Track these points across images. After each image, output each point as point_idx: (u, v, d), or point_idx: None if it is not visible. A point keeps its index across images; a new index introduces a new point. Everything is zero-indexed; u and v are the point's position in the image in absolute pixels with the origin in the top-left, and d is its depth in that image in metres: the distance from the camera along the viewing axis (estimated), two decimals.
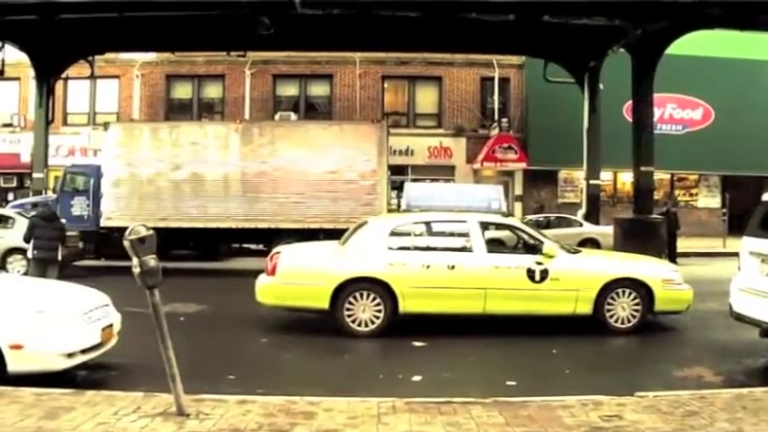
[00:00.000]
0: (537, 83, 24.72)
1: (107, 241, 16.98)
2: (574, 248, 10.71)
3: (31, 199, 20.73)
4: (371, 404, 5.50)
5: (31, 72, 22.89)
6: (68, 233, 12.44)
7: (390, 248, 9.52)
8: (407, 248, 9.62)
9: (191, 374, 5.53)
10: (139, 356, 7.08)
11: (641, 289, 9.45)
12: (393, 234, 9.76)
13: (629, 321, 9.43)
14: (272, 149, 17.68)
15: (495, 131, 27.16)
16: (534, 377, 7.31)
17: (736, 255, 8.20)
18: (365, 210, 16.32)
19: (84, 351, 6.37)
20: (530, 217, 22.58)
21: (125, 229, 5.10)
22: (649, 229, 16.76)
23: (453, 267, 9.32)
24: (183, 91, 28.83)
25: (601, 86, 22.04)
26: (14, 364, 5.98)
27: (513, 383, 6.85)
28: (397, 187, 21.22)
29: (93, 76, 24.91)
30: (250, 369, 7.46)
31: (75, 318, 6.41)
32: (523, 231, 10.24)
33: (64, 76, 23.50)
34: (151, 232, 4.98)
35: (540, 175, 27.76)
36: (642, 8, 16.54)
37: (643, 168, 18.09)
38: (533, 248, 9.66)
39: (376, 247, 9.50)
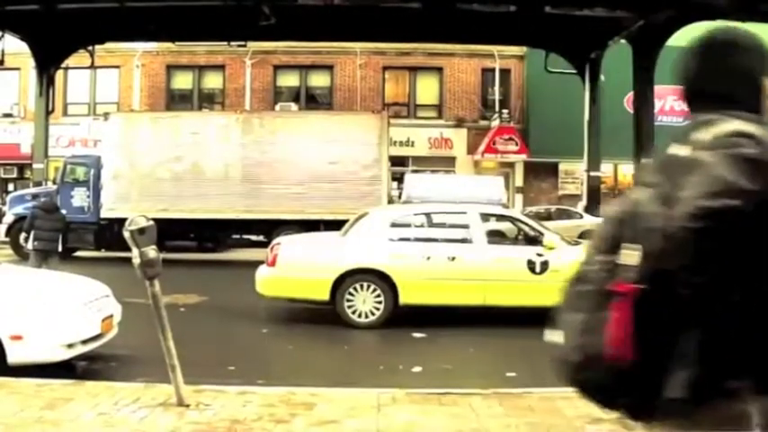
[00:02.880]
0: (538, 74, 24.63)
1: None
2: (574, 240, 10.70)
3: (32, 190, 20.68)
4: (371, 395, 5.51)
5: (32, 62, 22.77)
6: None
7: (391, 240, 9.52)
8: (408, 240, 9.62)
9: (191, 365, 5.53)
10: (139, 347, 7.08)
11: None
12: (393, 225, 9.76)
13: None
14: (273, 140, 17.65)
15: (495, 123, 27.08)
16: (534, 369, 7.27)
17: None
18: (366, 201, 16.25)
19: (84, 342, 6.38)
20: (530, 209, 22.58)
21: (126, 219, 5.09)
22: None
23: (454, 259, 9.31)
24: (183, 81, 28.73)
25: (602, 78, 21.98)
26: (15, 355, 5.98)
27: (513, 374, 6.87)
28: (398, 178, 21.19)
29: (93, 66, 24.78)
30: (250, 360, 7.47)
31: (75, 308, 6.42)
32: (524, 223, 10.22)
33: (64, 65, 23.42)
34: (151, 223, 4.98)
35: (540, 166, 27.68)
36: None
37: (644, 160, 18.07)
38: (534, 240, 9.64)
39: (376, 239, 9.49)
